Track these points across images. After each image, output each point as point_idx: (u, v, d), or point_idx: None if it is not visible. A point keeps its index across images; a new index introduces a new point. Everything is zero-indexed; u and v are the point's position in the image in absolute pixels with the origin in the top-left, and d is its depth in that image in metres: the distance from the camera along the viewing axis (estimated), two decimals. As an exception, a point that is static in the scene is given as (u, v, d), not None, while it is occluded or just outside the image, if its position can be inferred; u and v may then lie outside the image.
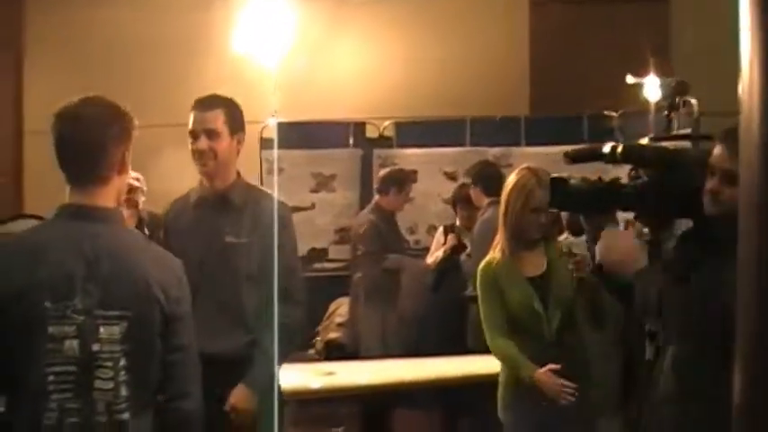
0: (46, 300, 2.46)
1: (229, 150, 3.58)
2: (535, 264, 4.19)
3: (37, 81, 9.96)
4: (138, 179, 6.53)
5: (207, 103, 3.58)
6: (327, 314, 7.54)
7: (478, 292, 4.30)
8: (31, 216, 6.01)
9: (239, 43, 7.69)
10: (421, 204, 7.74)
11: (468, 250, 6.86)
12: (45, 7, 10.11)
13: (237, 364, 3.45)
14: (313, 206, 7.72)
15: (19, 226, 5.79)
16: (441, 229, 7.15)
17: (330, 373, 5.46)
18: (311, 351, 7.21)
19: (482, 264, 4.31)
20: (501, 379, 4.22)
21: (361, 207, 7.89)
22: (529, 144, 7.93)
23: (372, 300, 7.00)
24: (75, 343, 2.47)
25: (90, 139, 2.60)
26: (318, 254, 7.62)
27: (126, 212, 6.22)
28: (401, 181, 7.12)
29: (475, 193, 6.74)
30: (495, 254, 4.25)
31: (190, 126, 3.59)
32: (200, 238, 3.59)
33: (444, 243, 6.98)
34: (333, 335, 7.36)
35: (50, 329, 2.46)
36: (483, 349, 5.64)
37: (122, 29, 9.48)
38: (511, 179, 4.22)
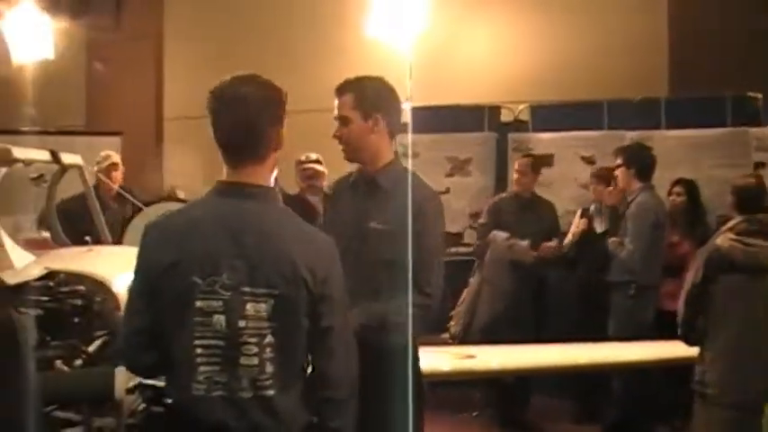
0: (195, 274, 2.53)
1: (361, 134, 3.50)
2: None
3: (176, 70, 10.23)
4: (319, 161, 6.66)
5: (339, 90, 3.53)
6: (462, 298, 7.51)
7: None
8: (172, 199, 6.17)
9: (373, 28, 7.73)
10: (557, 188, 7.60)
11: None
12: (184, -2, 10.38)
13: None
14: (448, 190, 7.67)
15: (161, 210, 5.95)
16: (579, 212, 7.05)
17: (469, 356, 5.39)
18: (445, 335, 7.19)
19: None
20: None
21: (496, 191, 7.83)
22: (669, 127, 7.68)
23: (491, 284, 6.99)
24: (222, 318, 2.53)
25: (249, 119, 2.63)
26: (453, 238, 7.58)
27: (313, 199, 6.45)
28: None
29: (625, 174, 6.61)
30: None
31: None
32: (348, 221, 3.56)
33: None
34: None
35: (198, 303, 2.53)
36: (627, 336, 5.53)
37: (259, 17, 9.64)
38: None
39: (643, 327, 6.19)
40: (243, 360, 2.54)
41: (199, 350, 2.54)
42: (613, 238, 6.57)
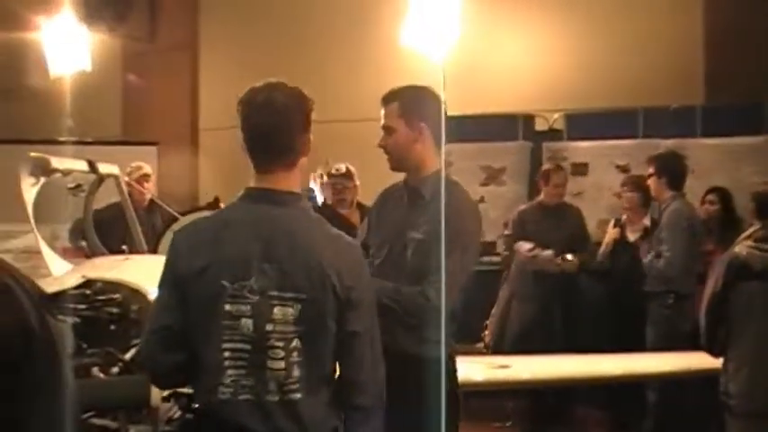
0: (224, 278, 2.57)
1: (405, 144, 3.50)
2: None
3: (211, 80, 10.29)
4: (349, 174, 6.68)
5: (384, 99, 3.56)
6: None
7: None
8: (205, 208, 6.20)
9: (407, 37, 7.72)
10: (591, 198, 7.56)
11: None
12: (218, 9, 10.44)
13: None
14: (482, 200, 7.65)
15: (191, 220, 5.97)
16: (612, 222, 7.01)
17: (503, 366, 5.37)
18: (480, 345, 7.17)
19: None
20: None
21: (530, 200, 7.80)
22: (705, 135, 7.62)
23: (518, 294, 6.99)
24: (249, 322, 2.55)
25: (279, 127, 2.67)
26: (487, 247, 7.56)
27: (348, 212, 6.49)
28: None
29: (657, 184, 6.55)
30: None
31: None
32: (390, 230, 3.58)
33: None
34: (500, 329, 7.32)
35: (227, 307, 2.56)
36: (666, 346, 5.46)
37: (293, 27, 9.68)
38: None
39: (681, 337, 6.13)
40: (270, 364, 2.56)
41: (226, 353, 2.56)
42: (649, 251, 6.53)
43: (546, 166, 7.34)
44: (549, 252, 6.83)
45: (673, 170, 6.54)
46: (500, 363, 5.50)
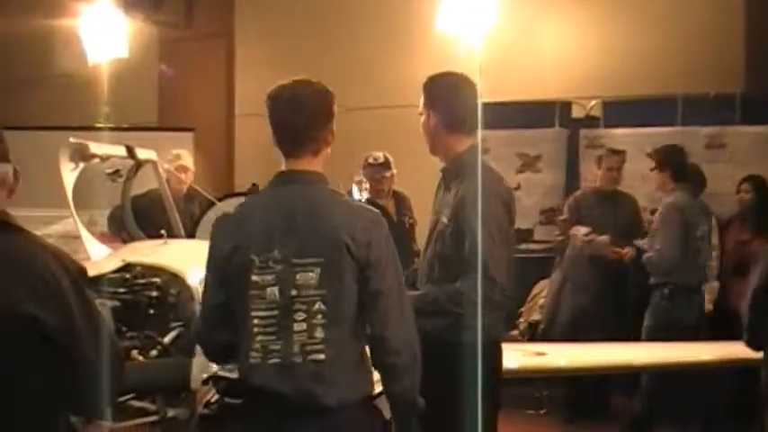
0: (252, 253, 2.77)
1: (432, 129, 3.59)
2: None
3: (247, 68, 10.31)
4: (386, 164, 6.71)
5: (423, 86, 3.65)
6: (531, 296, 7.49)
7: None
8: (243, 194, 6.23)
9: (443, 24, 7.71)
10: (628, 186, 7.50)
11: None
12: (254, -4, 10.46)
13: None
14: (518, 187, 7.62)
15: (230, 204, 6.01)
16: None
17: (540, 354, 5.33)
18: (515, 332, 7.16)
19: None
20: None
21: (567, 188, 7.78)
22: (744, 123, 7.54)
23: (572, 279, 6.97)
24: (275, 289, 2.75)
25: (305, 120, 2.89)
26: (524, 235, 7.54)
27: (384, 201, 6.54)
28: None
29: (661, 177, 6.55)
30: None
31: None
32: (433, 219, 3.64)
33: None
34: (536, 316, 7.31)
35: (254, 278, 2.76)
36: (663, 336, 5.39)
37: (329, 14, 9.67)
38: None
39: (678, 328, 6.10)
40: (295, 327, 2.74)
41: (255, 321, 2.75)
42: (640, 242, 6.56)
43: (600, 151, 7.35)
44: (605, 237, 6.79)
45: (674, 163, 6.50)
46: (536, 350, 5.46)
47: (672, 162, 6.52)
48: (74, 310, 2.39)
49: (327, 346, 2.73)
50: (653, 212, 6.90)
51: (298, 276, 2.74)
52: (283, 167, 2.94)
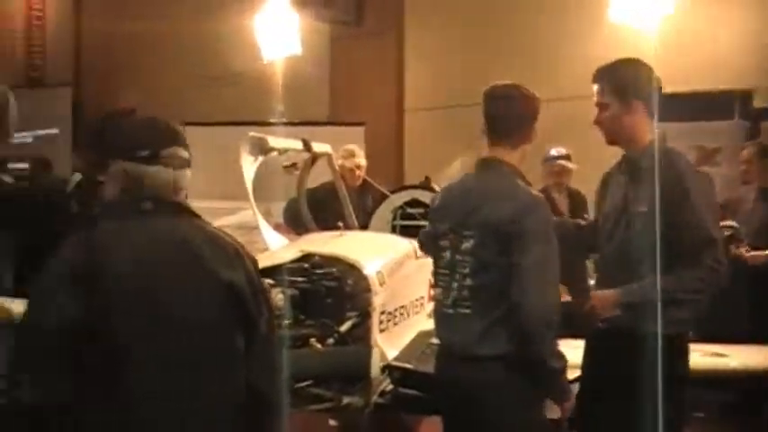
0: (444, 226, 3.44)
1: (616, 118, 3.51)
2: None
3: (417, 62, 10.39)
4: (568, 156, 6.66)
5: (595, 76, 3.59)
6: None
7: None
8: (417, 186, 6.29)
9: (617, 13, 7.56)
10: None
11: None
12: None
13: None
14: (696, 180, 7.39)
15: (404, 197, 6.10)
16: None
17: (720, 355, 5.07)
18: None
19: None
20: None
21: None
22: None
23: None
24: (448, 253, 3.41)
25: (513, 117, 3.41)
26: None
27: (556, 196, 6.55)
28: None
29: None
30: None
31: None
32: (614, 206, 3.59)
33: None
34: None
35: (440, 243, 3.45)
36: None
37: (499, 4, 9.64)
38: None
39: None
40: (452, 285, 3.36)
41: (438, 277, 3.46)
42: None
43: None
44: None
45: None
46: (715, 350, 5.21)
47: None
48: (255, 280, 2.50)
49: (472, 304, 3.30)
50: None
51: (461, 245, 3.33)
52: (485, 154, 3.44)
